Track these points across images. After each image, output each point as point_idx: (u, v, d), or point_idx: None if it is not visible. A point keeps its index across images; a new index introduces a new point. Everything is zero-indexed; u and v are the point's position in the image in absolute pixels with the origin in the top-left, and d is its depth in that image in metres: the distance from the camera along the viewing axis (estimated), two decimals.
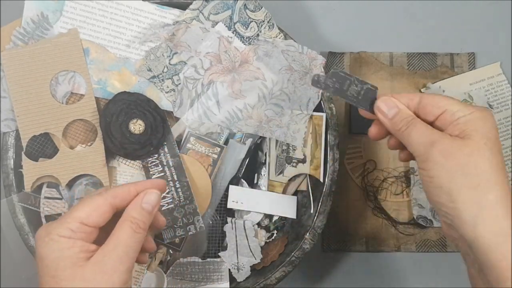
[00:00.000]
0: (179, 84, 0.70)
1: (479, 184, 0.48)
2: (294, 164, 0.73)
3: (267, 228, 0.75)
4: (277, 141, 0.72)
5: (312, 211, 0.71)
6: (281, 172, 0.73)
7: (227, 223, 0.73)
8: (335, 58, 0.81)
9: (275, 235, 0.75)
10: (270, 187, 0.74)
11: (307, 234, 0.69)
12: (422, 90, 0.80)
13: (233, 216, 0.73)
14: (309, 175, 0.73)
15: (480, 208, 0.48)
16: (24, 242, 0.67)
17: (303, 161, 0.72)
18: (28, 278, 0.71)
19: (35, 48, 0.67)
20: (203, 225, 0.69)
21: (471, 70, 0.81)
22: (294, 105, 0.70)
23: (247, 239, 0.72)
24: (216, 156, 0.71)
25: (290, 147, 0.72)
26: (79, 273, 0.47)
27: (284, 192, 0.75)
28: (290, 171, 0.73)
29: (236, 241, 0.72)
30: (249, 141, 0.72)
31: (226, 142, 0.72)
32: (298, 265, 0.69)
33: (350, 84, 0.56)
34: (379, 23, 0.82)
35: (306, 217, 0.72)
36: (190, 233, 0.69)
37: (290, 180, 0.74)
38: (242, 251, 0.71)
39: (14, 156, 0.68)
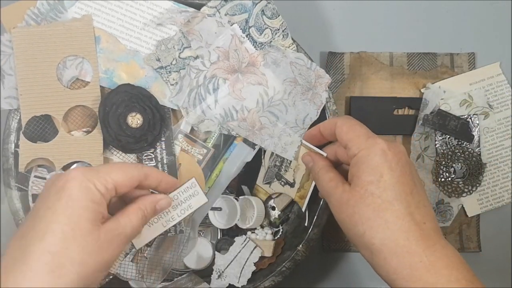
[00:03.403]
0: (182, 69, 0.70)
1: (364, 232, 0.52)
2: (282, 183, 0.72)
3: (273, 224, 0.76)
4: (272, 154, 0.72)
5: (306, 224, 0.71)
6: (269, 183, 0.73)
7: (245, 234, 0.74)
8: (335, 58, 0.81)
9: (281, 229, 0.75)
10: (255, 191, 0.75)
11: (300, 245, 0.69)
12: (422, 90, 0.80)
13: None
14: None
15: (370, 253, 0.52)
16: (18, 227, 0.67)
17: (291, 185, 0.71)
18: None
19: (46, 29, 0.67)
20: (183, 229, 0.68)
21: (471, 70, 0.81)
22: (290, 118, 0.70)
23: (246, 262, 0.71)
24: (201, 157, 0.71)
25: (283, 167, 0.71)
26: (96, 233, 0.49)
27: (278, 203, 0.75)
28: (277, 187, 0.73)
29: (236, 256, 0.72)
30: (257, 147, 0.72)
31: (214, 146, 0.72)
32: (288, 276, 0.69)
33: (450, 120, 0.76)
34: (379, 23, 0.83)
35: (301, 229, 0.72)
36: (169, 234, 0.68)
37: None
38: (233, 267, 0.71)
39: (15, 140, 0.68)
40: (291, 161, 0.70)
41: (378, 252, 0.51)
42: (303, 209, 0.70)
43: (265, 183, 0.74)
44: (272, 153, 0.72)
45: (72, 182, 0.49)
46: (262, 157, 0.74)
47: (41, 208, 0.48)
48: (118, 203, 0.58)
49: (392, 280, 0.51)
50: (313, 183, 0.69)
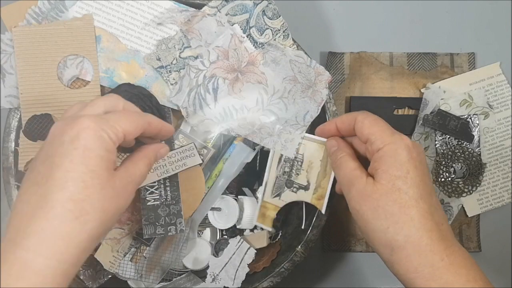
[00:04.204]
0: (182, 69, 0.70)
1: (388, 227, 0.51)
2: (294, 190, 0.68)
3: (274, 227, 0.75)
4: (279, 161, 0.68)
5: (303, 227, 0.71)
6: (278, 195, 0.69)
7: (240, 235, 0.73)
8: (335, 58, 0.81)
9: (280, 233, 0.75)
10: (263, 209, 0.69)
11: (299, 246, 0.69)
12: (422, 90, 0.80)
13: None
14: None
15: (391, 249, 0.52)
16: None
17: (305, 188, 0.68)
18: None
19: (48, 28, 0.68)
20: (184, 228, 0.68)
21: (471, 70, 0.81)
22: (290, 116, 0.70)
23: (240, 264, 0.71)
24: (201, 157, 0.71)
25: (293, 171, 0.68)
26: (112, 181, 0.50)
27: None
28: (288, 195, 0.68)
29: (230, 258, 0.71)
30: (258, 147, 0.72)
31: (213, 146, 0.72)
32: (286, 277, 0.68)
33: (450, 120, 0.77)
34: (379, 23, 0.83)
35: (300, 230, 0.72)
36: (169, 233, 0.68)
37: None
38: (227, 269, 0.71)
39: (15, 139, 0.68)
40: (302, 163, 0.67)
41: (400, 249, 0.51)
42: (323, 211, 0.67)
43: (274, 196, 0.69)
44: (279, 160, 0.68)
45: (86, 131, 0.49)
46: (265, 172, 0.68)
47: (55, 155, 0.48)
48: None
49: (410, 279, 0.51)
50: (331, 180, 0.67)
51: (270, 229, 0.69)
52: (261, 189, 0.68)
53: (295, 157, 0.67)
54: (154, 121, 0.57)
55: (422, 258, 0.50)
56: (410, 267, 0.51)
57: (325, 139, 0.64)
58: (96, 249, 0.70)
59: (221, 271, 0.71)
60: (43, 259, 0.45)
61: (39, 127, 0.69)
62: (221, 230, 0.75)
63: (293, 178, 0.68)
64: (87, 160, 0.48)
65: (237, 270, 0.70)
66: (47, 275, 0.45)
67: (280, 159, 0.68)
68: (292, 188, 0.68)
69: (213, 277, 0.70)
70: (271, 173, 0.68)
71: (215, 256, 0.72)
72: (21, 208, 0.47)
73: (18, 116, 0.68)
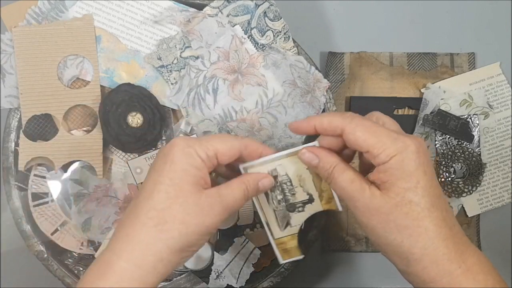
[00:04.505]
0: (183, 69, 0.70)
1: (402, 240, 0.49)
2: (300, 209, 0.60)
3: None
4: (267, 194, 0.58)
5: (303, 226, 0.70)
6: (288, 224, 0.60)
7: (243, 234, 0.73)
8: (335, 58, 0.81)
9: None
10: (281, 246, 0.60)
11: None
12: (422, 90, 0.80)
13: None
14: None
15: (407, 262, 0.50)
16: (17, 225, 0.68)
17: (310, 200, 0.60)
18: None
19: (48, 28, 0.68)
20: None
21: (471, 70, 0.81)
22: (290, 120, 0.70)
23: (244, 263, 0.71)
24: None
25: (287, 193, 0.59)
26: (196, 196, 0.51)
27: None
28: (297, 218, 0.60)
29: (235, 257, 0.72)
30: None
31: None
32: (286, 277, 0.68)
33: (450, 120, 0.77)
34: (379, 23, 0.83)
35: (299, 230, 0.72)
36: None
37: None
38: (232, 267, 0.71)
39: (15, 139, 0.69)
40: (291, 181, 0.58)
41: (417, 261, 0.49)
42: (340, 208, 0.60)
43: (284, 228, 0.60)
44: (266, 194, 0.59)
45: (175, 147, 0.51)
46: (259, 214, 0.60)
47: (151, 171, 0.52)
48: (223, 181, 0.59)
49: None
50: None
51: (302, 256, 0.61)
52: (267, 232, 0.60)
53: (281, 180, 0.58)
54: (252, 144, 0.55)
55: (440, 268, 0.49)
56: (427, 278, 0.49)
57: (296, 149, 0.57)
58: (96, 249, 0.70)
59: (225, 268, 0.71)
60: (122, 262, 0.48)
61: (39, 127, 0.69)
62: (221, 230, 0.75)
63: (292, 201, 0.59)
64: (172, 173, 0.50)
65: (241, 269, 0.70)
66: (124, 277, 0.48)
67: (266, 193, 0.59)
68: (297, 209, 0.60)
69: (217, 273, 0.71)
70: (266, 212, 0.60)
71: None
72: (123, 216, 0.53)
73: (18, 116, 0.68)
